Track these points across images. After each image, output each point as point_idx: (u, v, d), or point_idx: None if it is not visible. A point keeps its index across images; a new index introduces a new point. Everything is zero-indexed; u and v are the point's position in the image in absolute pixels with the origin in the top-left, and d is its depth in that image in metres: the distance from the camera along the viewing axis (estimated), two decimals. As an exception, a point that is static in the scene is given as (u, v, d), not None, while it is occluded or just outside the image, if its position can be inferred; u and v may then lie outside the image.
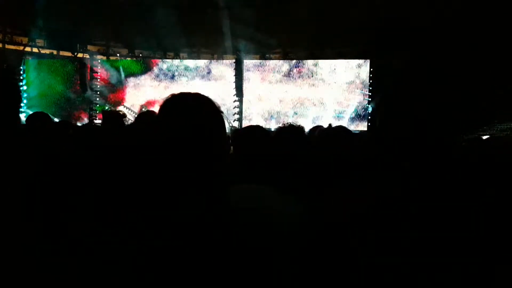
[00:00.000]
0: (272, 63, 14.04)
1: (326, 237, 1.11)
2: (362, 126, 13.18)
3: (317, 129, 2.74)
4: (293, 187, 1.20)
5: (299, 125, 1.77)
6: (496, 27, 10.16)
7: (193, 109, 0.99)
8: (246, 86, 13.93)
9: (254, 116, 13.95)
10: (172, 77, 14.55)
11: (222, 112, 1.04)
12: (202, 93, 1.05)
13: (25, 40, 14.03)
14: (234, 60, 14.00)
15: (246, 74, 13.94)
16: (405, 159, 1.43)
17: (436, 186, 1.34)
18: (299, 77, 13.84)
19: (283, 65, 13.95)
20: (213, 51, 14.57)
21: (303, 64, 13.88)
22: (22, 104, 13.83)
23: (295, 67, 13.89)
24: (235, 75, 13.98)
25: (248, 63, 14.04)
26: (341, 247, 1.12)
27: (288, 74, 13.90)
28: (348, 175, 1.45)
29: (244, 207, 0.95)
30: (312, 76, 13.76)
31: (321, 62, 13.63)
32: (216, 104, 1.02)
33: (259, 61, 14.13)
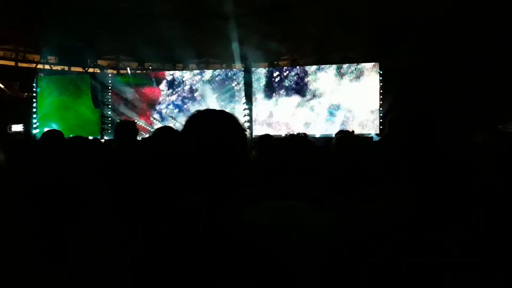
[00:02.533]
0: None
1: (358, 250, 1.08)
2: (372, 129, 13.04)
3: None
4: (323, 199, 1.19)
5: (304, 133, 1.73)
6: (502, 28, 10.05)
7: (217, 126, 1.01)
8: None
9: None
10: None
11: (245, 130, 1.07)
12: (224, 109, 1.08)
13: (37, 57, 14.33)
14: (243, 69, 14.05)
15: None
16: (418, 162, 1.38)
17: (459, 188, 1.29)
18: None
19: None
20: (222, 61, 14.66)
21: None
22: (35, 120, 14.11)
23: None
24: (244, 83, 14.01)
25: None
26: (371, 259, 1.09)
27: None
28: (372, 184, 1.42)
29: (270, 224, 0.95)
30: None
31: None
32: (240, 122, 1.06)
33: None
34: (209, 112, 1.06)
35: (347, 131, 3.44)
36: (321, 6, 11.14)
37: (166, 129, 2.74)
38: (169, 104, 14.61)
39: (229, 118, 1.05)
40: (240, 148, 1.01)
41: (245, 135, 1.05)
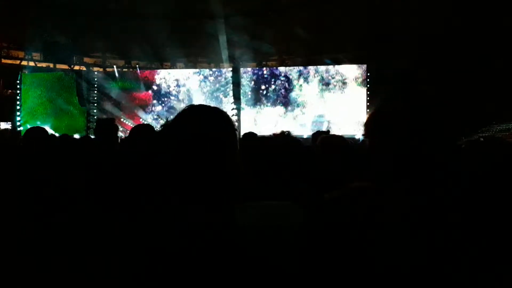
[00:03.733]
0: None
1: (333, 246, 1.09)
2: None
3: (318, 136, 2.71)
4: (308, 198, 1.19)
5: (288, 131, 1.72)
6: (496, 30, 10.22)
7: (209, 122, 0.98)
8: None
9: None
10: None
11: (236, 130, 1.04)
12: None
13: (21, 54, 14.06)
14: (231, 68, 14.02)
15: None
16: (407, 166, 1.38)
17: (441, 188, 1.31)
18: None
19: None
20: (210, 60, 14.61)
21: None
22: (18, 118, 13.86)
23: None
24: (233, 83, 13.99)
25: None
26: (350, 253, 1.10)
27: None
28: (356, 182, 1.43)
29: (256, 225, 0.94)
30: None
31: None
32: (232, 120, 1.03)
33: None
34: (200, 107, 1.03)
35: (326, 131, 3.45)
36: (311, 10, 11.20)
37: (144, 127, 2.63)
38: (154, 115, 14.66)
39: (222, 115, 1.02)
40: (230, 146, 0.99)
41: (236, 133, 1.02)
